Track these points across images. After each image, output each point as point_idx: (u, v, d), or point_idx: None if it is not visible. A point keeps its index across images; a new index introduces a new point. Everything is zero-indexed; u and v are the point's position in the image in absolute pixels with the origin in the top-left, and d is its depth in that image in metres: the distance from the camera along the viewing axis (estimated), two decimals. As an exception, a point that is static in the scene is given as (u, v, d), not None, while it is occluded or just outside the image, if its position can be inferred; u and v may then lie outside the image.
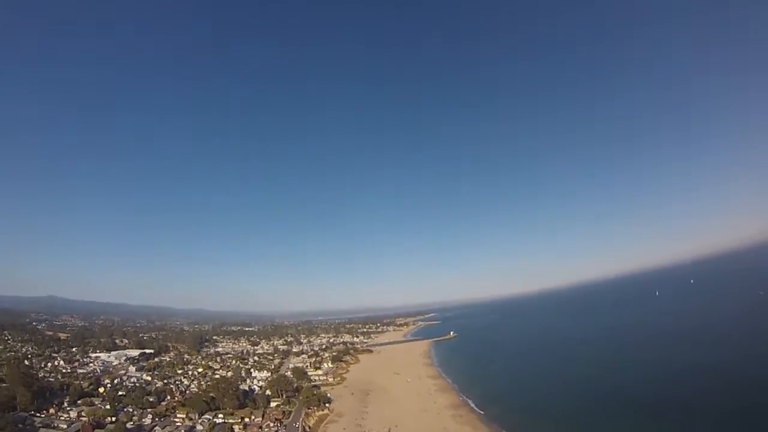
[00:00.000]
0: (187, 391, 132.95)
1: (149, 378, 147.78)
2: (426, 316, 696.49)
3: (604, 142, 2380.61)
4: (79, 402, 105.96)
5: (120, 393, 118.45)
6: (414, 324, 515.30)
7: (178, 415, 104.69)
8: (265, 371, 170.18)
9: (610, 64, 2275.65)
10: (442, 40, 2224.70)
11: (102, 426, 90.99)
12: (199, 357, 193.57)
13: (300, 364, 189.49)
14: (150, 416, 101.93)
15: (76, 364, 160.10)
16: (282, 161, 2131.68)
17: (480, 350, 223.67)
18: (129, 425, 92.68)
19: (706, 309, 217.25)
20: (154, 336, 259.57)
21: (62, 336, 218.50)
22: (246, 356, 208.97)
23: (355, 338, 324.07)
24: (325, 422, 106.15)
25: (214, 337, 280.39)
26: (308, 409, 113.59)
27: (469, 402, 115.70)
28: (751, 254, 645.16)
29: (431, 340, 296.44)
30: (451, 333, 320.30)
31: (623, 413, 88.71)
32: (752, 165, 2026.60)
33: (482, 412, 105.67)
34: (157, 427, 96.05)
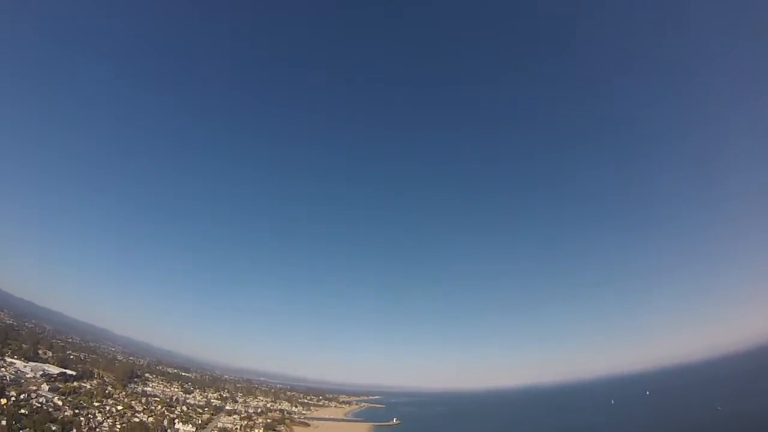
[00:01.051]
0: (98, 429, 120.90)
1: (60, 403, 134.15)
2: (370, 397, 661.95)
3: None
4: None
5: (21, 411, 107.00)
6: (357, 404, 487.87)
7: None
8: (191, 425, 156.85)
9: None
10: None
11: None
12: (123, 393, 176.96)
13: (230, 425, 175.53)
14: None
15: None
16: (241, 216, 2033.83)
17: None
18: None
19: (660, 421, 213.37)
20: (82, 357, 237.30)
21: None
22: (174, 404, 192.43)
23: (293, 407, 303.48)
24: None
25: (147, 375, 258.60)
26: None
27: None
28: (710, 366, 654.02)
29: (373, 423, 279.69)
30: (395, 420, 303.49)
31: None
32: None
33: None
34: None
